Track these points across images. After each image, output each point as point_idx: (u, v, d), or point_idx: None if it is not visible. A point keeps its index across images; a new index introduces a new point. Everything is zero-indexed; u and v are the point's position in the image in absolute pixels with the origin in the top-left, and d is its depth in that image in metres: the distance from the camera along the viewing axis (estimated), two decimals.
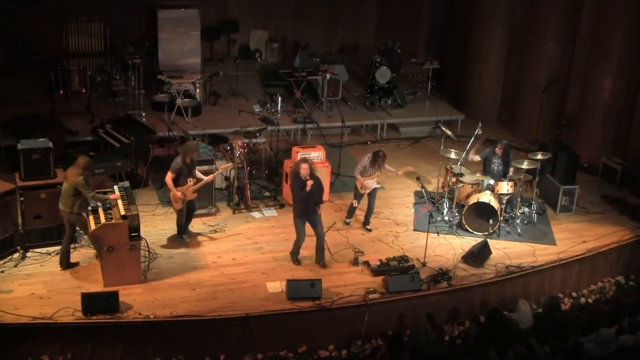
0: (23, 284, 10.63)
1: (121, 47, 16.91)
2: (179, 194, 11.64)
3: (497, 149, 13.03)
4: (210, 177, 12.04)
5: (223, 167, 12.51)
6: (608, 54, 14.73)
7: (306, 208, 11.30)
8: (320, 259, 11.63)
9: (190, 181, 11.67)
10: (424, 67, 17.91)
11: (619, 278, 12.80)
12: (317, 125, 15.82)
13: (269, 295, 10.91)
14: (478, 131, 13.57)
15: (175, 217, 12.01)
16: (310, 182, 11.08)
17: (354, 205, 12.73)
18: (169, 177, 11.63)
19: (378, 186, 12.68)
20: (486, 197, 12.55)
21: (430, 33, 19.73)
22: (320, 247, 11.59)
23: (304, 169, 11.13)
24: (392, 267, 11.51)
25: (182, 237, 12.04)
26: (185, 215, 11.94)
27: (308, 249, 11.72)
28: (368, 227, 12.82)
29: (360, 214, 12.92)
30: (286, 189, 13.18)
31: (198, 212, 12.36)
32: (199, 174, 11.92)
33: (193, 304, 10.55)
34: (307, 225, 11.46)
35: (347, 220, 12.88)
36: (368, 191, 12.54)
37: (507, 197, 12.74)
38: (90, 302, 10.09)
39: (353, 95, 17.58)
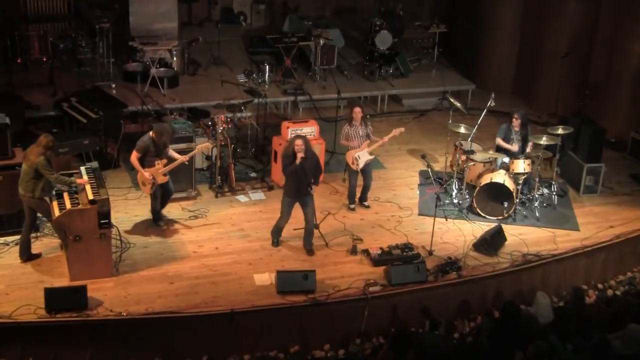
0: None
1: (87, 9, 16.78)
2: (147, 174, 11.57)
3: (513, 120, 12.97)
4: (184, 157, 11.90)
5: (200, 146, 12.35)
6: (638, 14, 14.66)
7: (298, 187, 11.26)
8: (307, 244, 11.67)
9: (158, 163, 11.58)
10: (430, 31, 17.91)
11: None
12: (309, 98, 15.78)
13: (256, 288, 10.91)
14: (491, 103, 13.53)
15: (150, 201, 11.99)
16: (300, 155, 11.04)
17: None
18: (133, 157, 11.59)
19: (370, 157, 12.61)
20: (500, 177, 12.52)
21: None
22: (308, 232, 11.61)
23: (298, 145, 11.10)
24: (394, 256, 11.51)
25: (159, 224, 12.01)
26: (160, 199, 11.87)
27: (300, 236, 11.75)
28: (366, 203, 12.90)
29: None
30: (275, 169, 13.14)
31: (176, 195, 12.33)
32: (173, 153, 11.82)
33: (171, 299, 10.54)
34: (297, 207, 11.43)
35: (352, 206, 12.84)
36: (361, 166, 12.49)
37: (523, 177, 12.73)
38: (55, 298, 10.06)
39: (350, 64, 17.55)
